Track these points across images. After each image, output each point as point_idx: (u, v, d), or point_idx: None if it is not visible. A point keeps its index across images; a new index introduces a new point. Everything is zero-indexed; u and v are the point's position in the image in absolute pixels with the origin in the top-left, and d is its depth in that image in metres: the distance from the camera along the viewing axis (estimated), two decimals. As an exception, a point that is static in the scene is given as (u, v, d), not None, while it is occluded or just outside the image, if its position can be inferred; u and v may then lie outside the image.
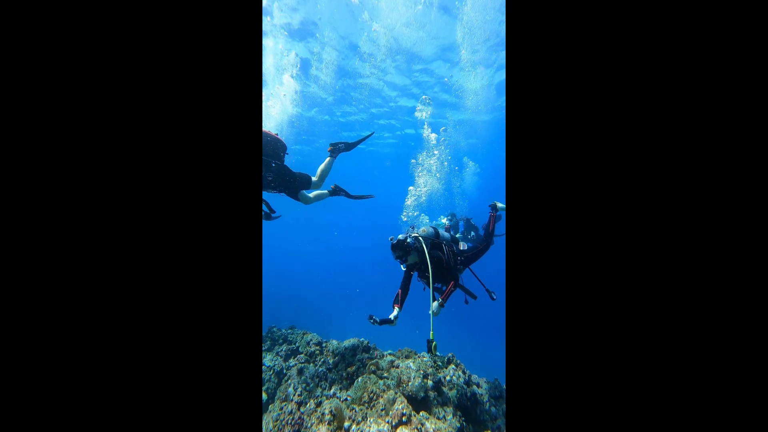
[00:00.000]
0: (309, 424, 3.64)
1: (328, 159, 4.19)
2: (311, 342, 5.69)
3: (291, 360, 5.42)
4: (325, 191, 4.26)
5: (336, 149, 4.16)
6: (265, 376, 5.07)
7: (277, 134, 3.72)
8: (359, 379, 4.21)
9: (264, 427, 3.99)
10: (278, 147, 3.69)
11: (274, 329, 6.41)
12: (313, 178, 4.10)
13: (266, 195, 4.00)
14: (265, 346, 5.88)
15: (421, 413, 3.67)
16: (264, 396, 4.71)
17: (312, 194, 4.16)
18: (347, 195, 4.32)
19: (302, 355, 5.29)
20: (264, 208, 3.88)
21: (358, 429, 3.50)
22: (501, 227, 4.67)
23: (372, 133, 4.30)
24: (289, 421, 3.71)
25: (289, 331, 6.34)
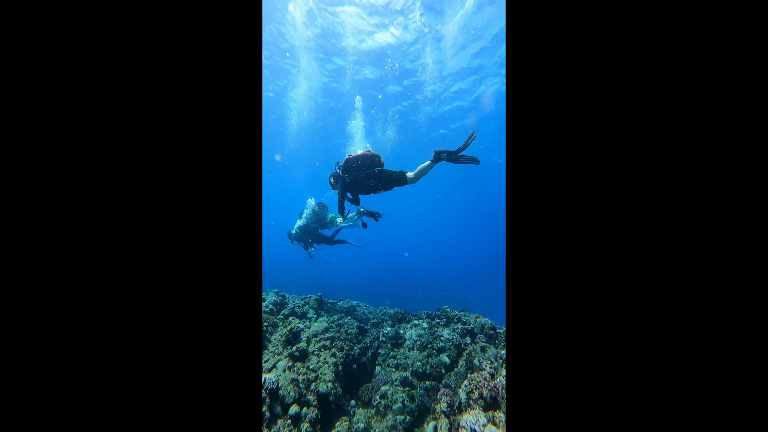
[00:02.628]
0: (504, 396, 3.84)
1: (429, 162, 4.42)
2: (486, 326, 5.90)
3: (467, 338, 5.76)
4: (427, 162, 4.45)
5: (438, 156, 4.35)
6: (446, 345, 5.55)
7: (372, 152, 4.64)
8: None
9: (455, 382, 4.40)
10: (375, 160, 4.58)
11: (447, 309, 6.90)
12: (408, 174, 4.56)
13: (368, 198, 4.91)
14: (441, 322, 6.41)
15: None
16: (447, 359, 5.16)
17: (413, 172, 4.54)
18: (450, 158, 4.35)
19: (482, 335, 5.55)
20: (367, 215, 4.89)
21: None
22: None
23: (474, 134, 4.25)
24: (486, 386, 3.99)
25: (462, 312, 6.71)
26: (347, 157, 4.58)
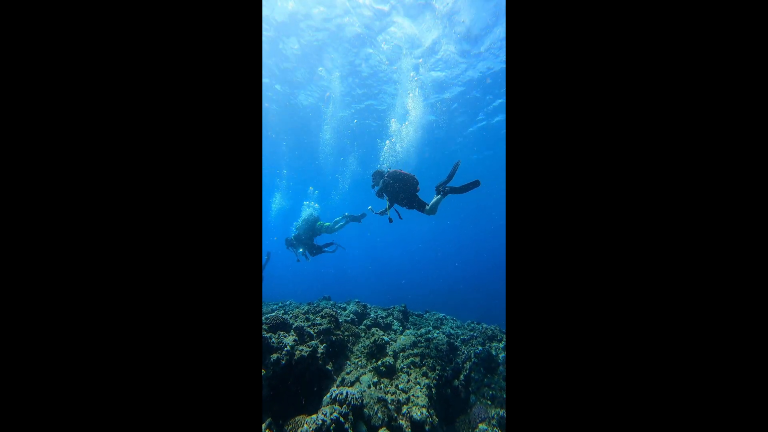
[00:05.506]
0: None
1: (439, 197, 5.06)
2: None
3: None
4: (437, 198, 5.10)
5: (441, 190, 5.01)
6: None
7: (411, 174, 5.33)
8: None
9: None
10: (415, 181, 5.25)
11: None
12: (427, 206, 5.21)
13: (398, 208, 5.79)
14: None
15: None
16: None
17: (429, 208, 5.23)
18: (454, 190, 4.93)
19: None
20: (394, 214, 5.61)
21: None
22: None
23: (475, 182, 4.83)
24: None
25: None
26: (395, 170, 5.27)
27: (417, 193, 5.31)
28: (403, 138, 12.91)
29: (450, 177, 5.00)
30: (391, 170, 5.32)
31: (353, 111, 13.70)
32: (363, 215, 8.03)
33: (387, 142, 12.87)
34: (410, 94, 11.98)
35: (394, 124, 13.08)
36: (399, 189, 5.21)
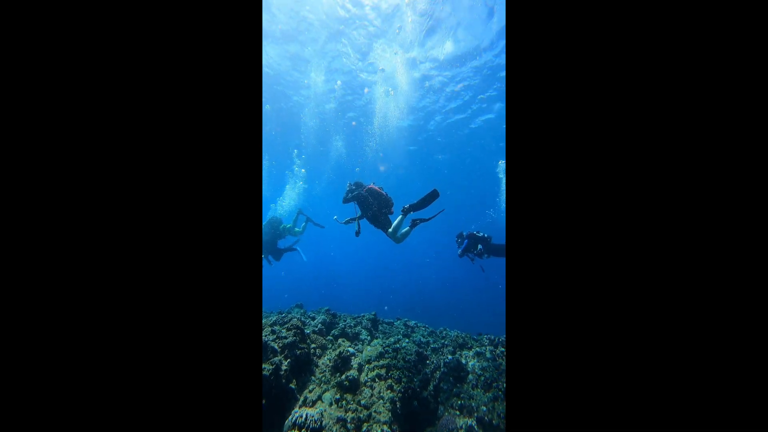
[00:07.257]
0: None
1: (400, 217, 5.19)
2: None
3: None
4: (406, 228, 5.25)
5: (404, 210, 5.13)
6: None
7: (388, 195, 5.38)
8: None
9: None
10: (389, 203, 5.32)
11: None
12: (389, 229, 5.30)
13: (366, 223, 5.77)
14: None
15: None
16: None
17: (399, 235, 5.31)
18: (414, 207, 5.02)
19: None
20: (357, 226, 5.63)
21: None
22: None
23: (434, 192, 4.92)
24: None
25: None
26: (375, 187, 5.32)
27: (389, 216, 5.35)
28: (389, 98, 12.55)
29: (421, 204, 4.95)
30: (370, 185, 5.40)
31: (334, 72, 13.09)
32: (315, 223, 8.29)
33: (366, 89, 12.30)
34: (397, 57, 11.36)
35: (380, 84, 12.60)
36: (371, 205, 5.25)
